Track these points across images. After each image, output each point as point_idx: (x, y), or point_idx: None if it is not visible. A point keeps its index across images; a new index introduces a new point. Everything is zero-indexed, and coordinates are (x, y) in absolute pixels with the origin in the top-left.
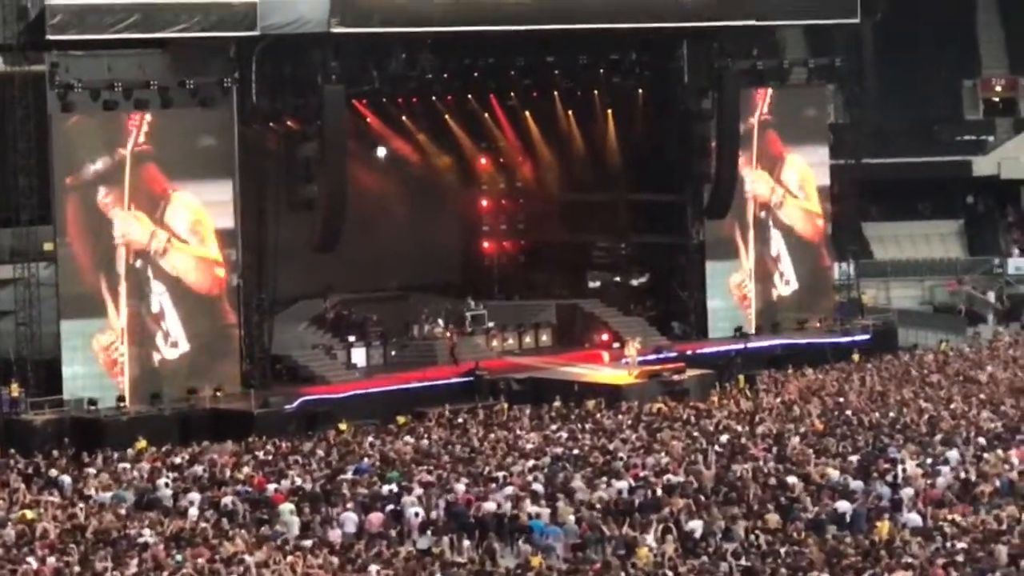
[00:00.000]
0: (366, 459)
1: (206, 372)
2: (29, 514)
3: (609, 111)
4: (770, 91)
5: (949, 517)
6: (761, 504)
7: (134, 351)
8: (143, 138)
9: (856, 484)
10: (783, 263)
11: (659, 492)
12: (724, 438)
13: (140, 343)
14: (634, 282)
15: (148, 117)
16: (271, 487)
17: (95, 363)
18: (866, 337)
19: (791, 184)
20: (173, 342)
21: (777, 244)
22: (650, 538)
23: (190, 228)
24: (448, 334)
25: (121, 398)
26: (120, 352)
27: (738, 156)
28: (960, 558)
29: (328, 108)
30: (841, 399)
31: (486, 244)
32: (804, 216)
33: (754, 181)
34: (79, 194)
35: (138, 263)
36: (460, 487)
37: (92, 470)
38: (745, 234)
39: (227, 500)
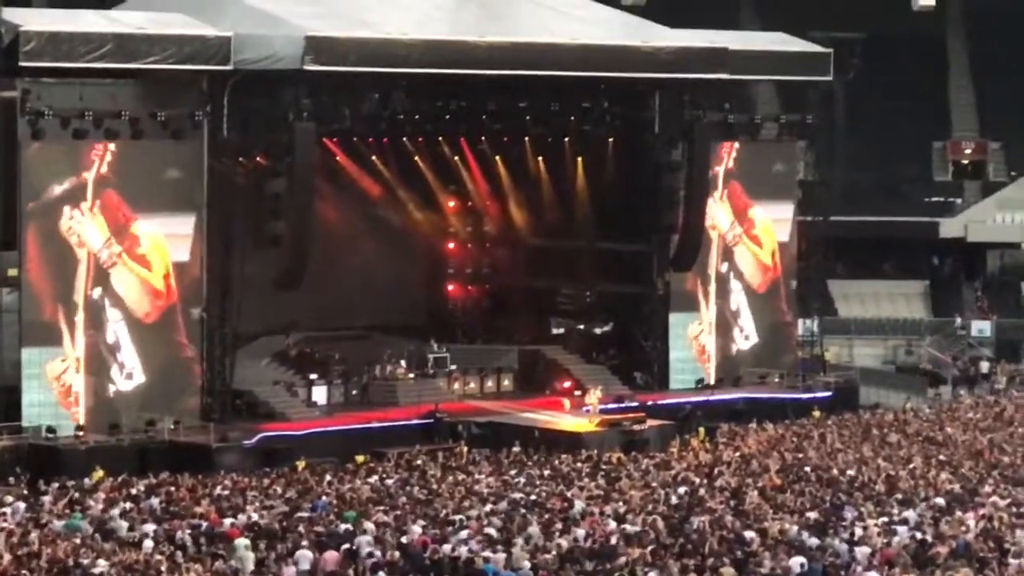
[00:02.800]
0: (324, 497)
1: (162, 404)
2: None
3: (579, 159)
4: (736, 144)
5: None
6: (717, 557)
7: (89, 381)
8: (106, 168)
9: (813, 540)
10: (743, 318)
11: (616, 541)
12: (682, 490)
13: (95, 373)
14: (597, 330)
15: (112, 147)
16: (227, 521)
17: (51, 392)
18: (828, 394)
19: (752, 227)
20: (128, 373)
21: (737, 299)
22: None
23: (145, 253)
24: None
25: (80, 427)
26: (72, 382)
27: (706, 208)
28: None
29: (298, 145)
30: (800, 455)
31: (451, 287)
32: (755, 264)
33: (716, 211)
34: (41, 220)
35: (95, 293)
36: (416, 529)
37: (48, 498)
38: (706, 287)
39: (182, 534)
